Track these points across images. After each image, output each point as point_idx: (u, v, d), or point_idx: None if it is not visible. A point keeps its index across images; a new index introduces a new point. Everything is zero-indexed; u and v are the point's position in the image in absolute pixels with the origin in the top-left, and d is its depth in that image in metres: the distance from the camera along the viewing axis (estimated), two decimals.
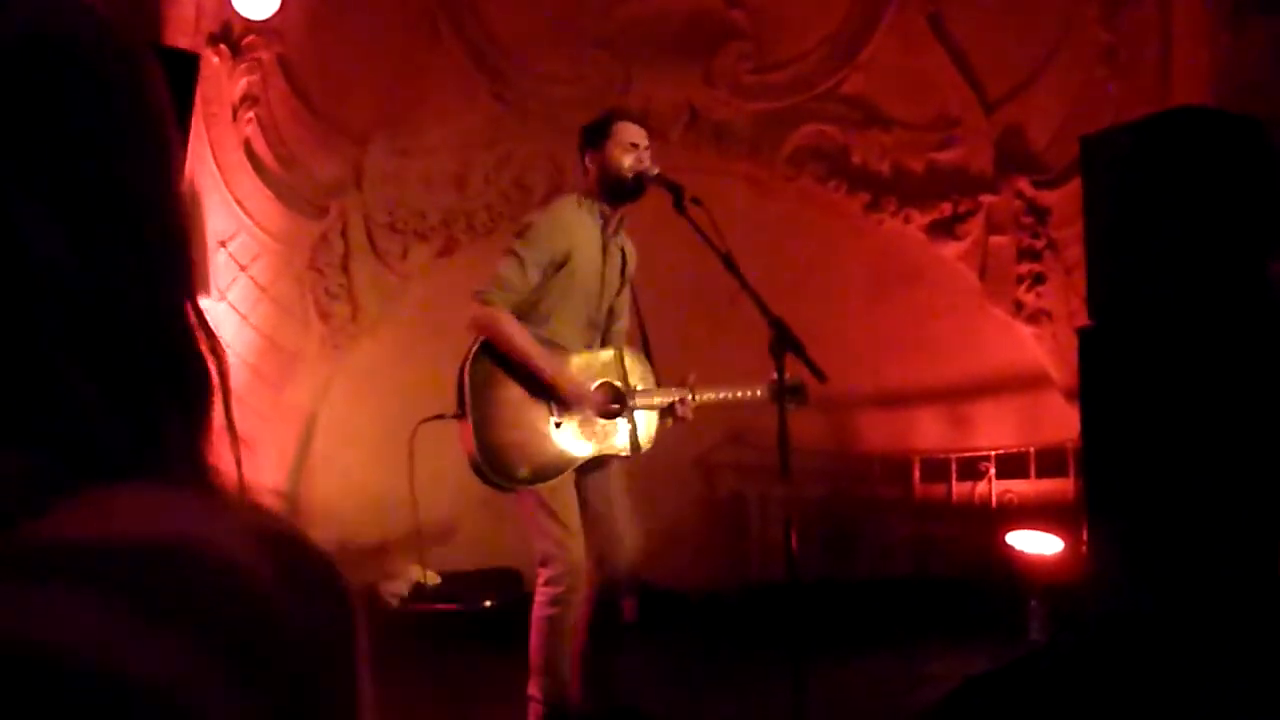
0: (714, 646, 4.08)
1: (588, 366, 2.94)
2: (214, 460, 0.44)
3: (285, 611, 0.38)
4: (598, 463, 2.91)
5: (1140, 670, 2.64)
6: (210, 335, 0.45)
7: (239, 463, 0.45)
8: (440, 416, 2.83)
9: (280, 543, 0.39)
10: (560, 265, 2.83)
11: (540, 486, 2.78)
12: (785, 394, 2.57)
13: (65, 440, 0.38)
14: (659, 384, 3.00)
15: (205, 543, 0.37)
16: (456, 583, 4.57)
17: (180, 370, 0.44)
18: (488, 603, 4.37)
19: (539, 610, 2.80)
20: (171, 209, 0.46)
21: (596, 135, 2.93)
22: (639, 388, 2.97)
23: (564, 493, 2.82)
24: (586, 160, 2.95)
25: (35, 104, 0.41)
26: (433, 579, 4.59)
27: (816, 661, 2.52)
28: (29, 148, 0.41)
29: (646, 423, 2.97)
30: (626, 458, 2.94)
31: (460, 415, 2.77)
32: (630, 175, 2.87)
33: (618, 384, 2.95)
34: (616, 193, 2.91)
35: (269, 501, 0.44)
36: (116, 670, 0.33)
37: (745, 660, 3.74)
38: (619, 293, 3.03)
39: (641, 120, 3.00)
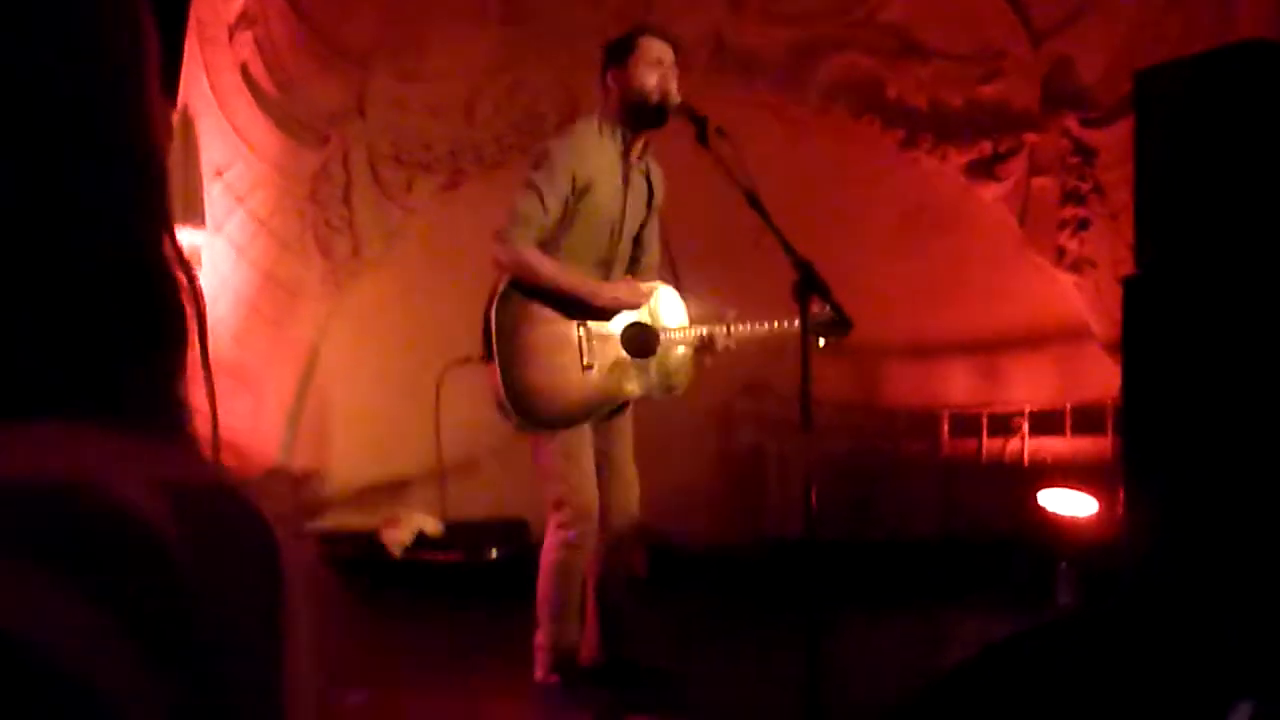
0: (728, 604, 4.12)
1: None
2: (189, 403, 0.43)
3: (184, 567, 0.36)
4: (612, 409, 2.93)
5: (1174, 639, 2.64)
6: (189, 274, 0.43)
7: (214, 409, 0.44)
8: (468, 359, 2.86)
9: (198, 497, 0.38)
10: (581, 195, 2.81)
11: (562, 430, 2.81)
12: (821, 327, 2.56)
13: None
14: (692, 319, 3.00)
15: (101, 488, 0.36)
16: (462, 532, 4.61)
17: (149, 310, 0.42)
18: (493, 553, 4.42)
19: (548, 555, 2.84)
20: (143, 125, 0.43)
21: (620, 51, 2.88)
22: (672, 324, 2.97)
23: (583, 437, 2.86)
24: (608, 79, 2.90)
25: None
26: (436, 528, 4.64)
27: (835, 623, 2.53)
28: None
29: (681, 361, 2.98)
30: (658, 399, 2.97)
31: (487, 358, 2.80)
32: (654, 97, 2.83)
33: (648, 321, 2.96)
34: (639, 116, 2.87)
35: (227, 454, 0.43)
36: None
37: (760, 619, 3.78)
38: (645, 223, 3.01)
39: (668, 36, 2.95)
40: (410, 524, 4.61)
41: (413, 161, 5.14)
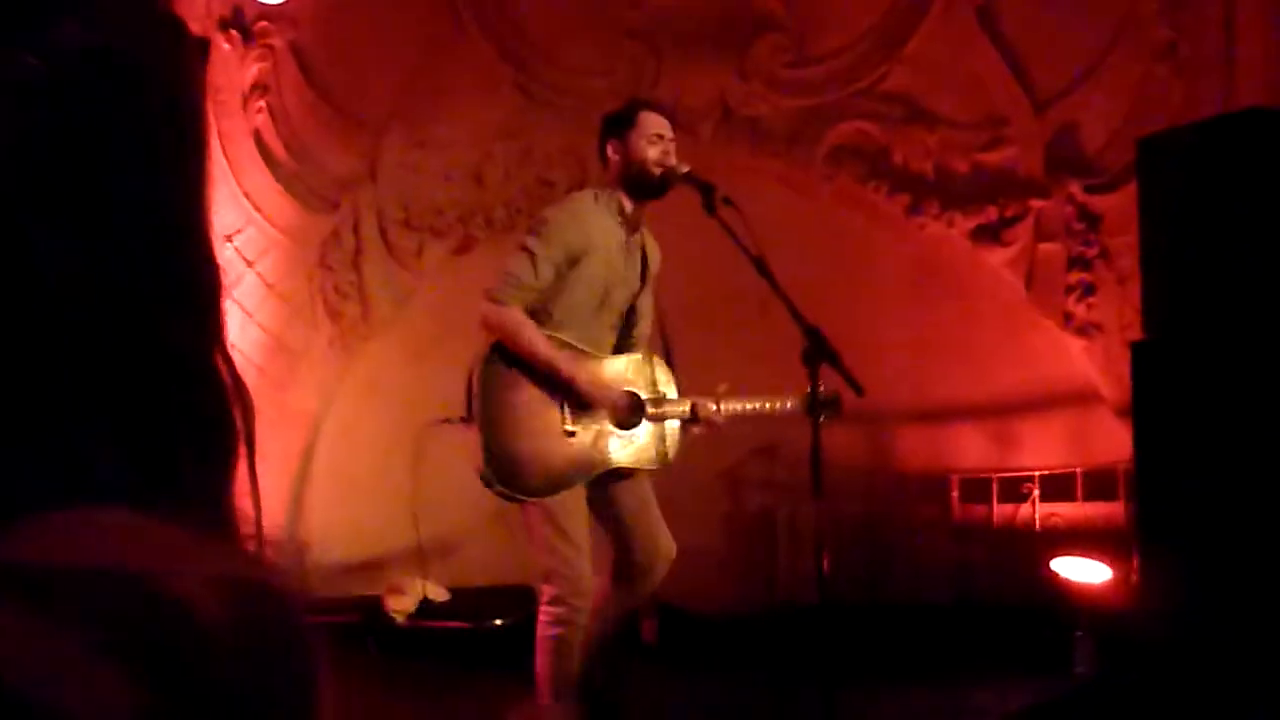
0: (738, 672, 4.07)
1: (606, 373, 2.93)
2: (236, 505, 0.45)
3: (230, 657, 0.38)
4: (624, 471, 2.90)
5: (1193, 709, 2.61)
6: (238, 383, 0.46)
7: (259, 514, 0.46)
8: (447, 420, 2.83)
9: (245, 592, 0.40)
10: (575, 263, 2.83)
11: (548, 499, 2.78)
12: (819, 406, 2.56)
13: (52, 462, 0.39)
14: (681, 392, 2.99)
15: (158, 577, 0.38)
16: (466, 599, 4.58)
17: (201, 413, 0.44)
18: (498, 621, 4.38)
19: (543, 630, 2.80)
20: (204, 239, 0.46)
21: (619, 125, 2.93)
22: (662, 395, 2.96)
23: (573, 507, 2.80)
24: (608, 151, 2.94)
25: (80, 125, 0.41)
26: (441, 595, 4.60)
27: (848, 691, 2.51)
28: (58, 166, 0.40)
29: (669, 434, 2.96)
30: (648, 471, 2.94)
31: (468, 420, 2.78)
32: (657, 171, 2.87)
33: (637, 392, 2.94)
34: (639, 187, 2.90)
35: (270, 551, 0.45)
36: (44, 697, 0.34)
37: (772, 688, 3.73)
38: (639, 294, 3.03)
39: (666, 111, 3.00)
40: (415, 591, 4.57)
41: (423, 226, 5.20)
